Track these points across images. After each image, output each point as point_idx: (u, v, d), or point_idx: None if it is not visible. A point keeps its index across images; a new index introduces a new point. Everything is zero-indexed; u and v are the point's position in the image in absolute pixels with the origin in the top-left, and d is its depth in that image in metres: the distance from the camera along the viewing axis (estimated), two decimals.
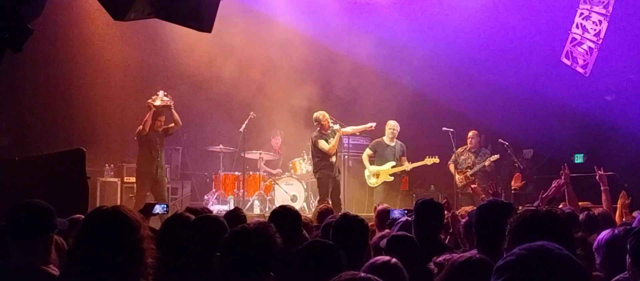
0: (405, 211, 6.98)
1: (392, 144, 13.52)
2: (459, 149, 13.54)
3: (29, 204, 3.86)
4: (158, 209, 6.63)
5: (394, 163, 13.43)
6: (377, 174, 13.47)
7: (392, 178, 13.43)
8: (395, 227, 6.10)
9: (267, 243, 3.21)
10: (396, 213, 7.20)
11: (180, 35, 13.25)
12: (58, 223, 3.88)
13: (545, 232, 2.95)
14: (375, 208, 8.01)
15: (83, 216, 4.45)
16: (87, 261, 2.84)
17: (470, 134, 13.51)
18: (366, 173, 13.64)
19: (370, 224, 6.14)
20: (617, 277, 3.81)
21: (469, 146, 13.49)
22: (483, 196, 10.80)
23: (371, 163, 13.66)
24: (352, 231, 4.68)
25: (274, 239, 3.25)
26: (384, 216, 7.16)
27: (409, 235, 4.94)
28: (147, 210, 6.46)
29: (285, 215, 5.04)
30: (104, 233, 2.88)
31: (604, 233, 4.50)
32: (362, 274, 2.41)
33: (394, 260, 3.64)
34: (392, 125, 13.53)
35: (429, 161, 13.37)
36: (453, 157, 13.50)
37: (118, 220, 2.91)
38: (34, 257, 3.69)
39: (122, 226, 2.89)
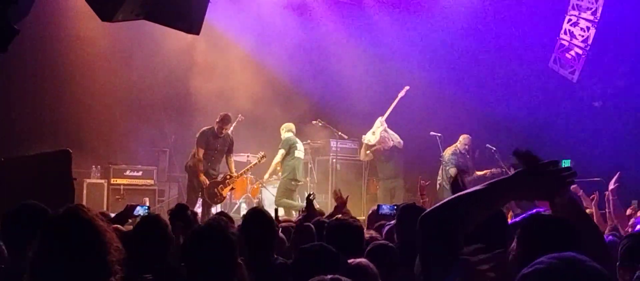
0: (395, 207, 6.95)
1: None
2: (453, 149, 13.46)
3: (24, 207, 3.77)
4: (139, 211, 6.60)
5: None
6: (373, 132, 13.99)
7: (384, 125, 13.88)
8: (383, 229, 6.10)
9: (225, 234, 3.28)
10: (386, 209, 7.23)
11: (169, 37, 13.20)
12: None
13: (563, 240, 2.88)
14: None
15: None
16: (48, 272, 2.74)
17: (465, 138, 13.49)
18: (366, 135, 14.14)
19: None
20: None
21: (461, 149, 13.44)
22: None
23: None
24: (346, 235, 4.69)
25: (229, 228, 3.35)
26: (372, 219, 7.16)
27: (388, 243, 4.92)
28: (129, 212, 6.44)
29: (258, 220, 4.95)
30: (61, 238, 2.77)
31: None
32: (329, 276, 2.43)
33: (364, 260, 3.73)
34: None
35: None
36: (452, 158, 13.36)
37: (73, 223, 2.79)
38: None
39: (78, 229, 2.77)
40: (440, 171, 13.51)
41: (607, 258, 3.00)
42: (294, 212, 12.27)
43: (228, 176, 12.67)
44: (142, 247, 4.12)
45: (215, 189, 12.46)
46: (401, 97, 14.06)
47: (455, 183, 4.03)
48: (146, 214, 6.56)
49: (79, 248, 2.74)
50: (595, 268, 1.67)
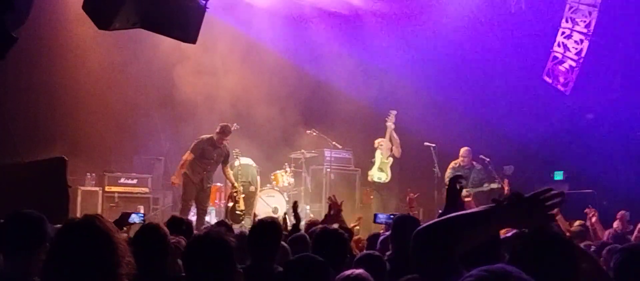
0: (392, 216, 6.97)
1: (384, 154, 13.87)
2: (453, 164, 13.55)
3: (20, 215, 3.78)
4: (135, 218, 6.61)
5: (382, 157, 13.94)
6: (380, 168, 13.81)
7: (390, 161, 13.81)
8: (377, 240, 6.13)
9: (224, 243, 3.34)
10: (382, 218, 7.25)
11: (164, 45, 13.23)
12: (50, 231, 3.81)
13: (550, 256, 2.89)
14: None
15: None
16: (59, 278, 2.77)
17: (462, 151, 13.55)
18: (372, 173, 13.98)
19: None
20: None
21: (461, 162, 13.53)
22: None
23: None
24: (332, 244, 4.71)
25: (228, 238, 3.41)
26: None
27: (375, 253, 4.96)
28: (124, 219, 6.45)
29: (265, 230, 4.98)
30: (76, 246, 2.80)
31: None
32: None
33: (363, 271, 3.76)
34: (376, 144, 13.84)
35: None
36: (449, 172, 13.42)
37: (90, 233, 2.82)
38: (26, 269, 3.57)
39: (94, 240, 2.80)
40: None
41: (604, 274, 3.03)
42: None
43: (234, 192, 12.82)
44: (141, 255, 4.14)
45: (235, 211, 12.76)
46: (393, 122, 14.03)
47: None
48: (141, 222, 6.58)
49: (92, 258, 2.77)
50: (525, 279, 1.70)
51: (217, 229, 3.45)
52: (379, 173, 13.88)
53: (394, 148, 13.84)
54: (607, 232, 8.57)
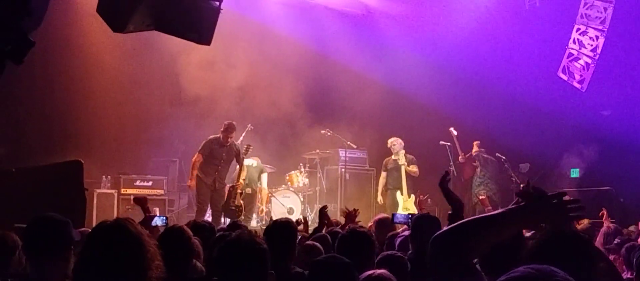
0: (410, 216, 6.93)
1: (397, 158, 13.57)
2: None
3: (46, 218, 3.80)
4: (157, 221, 6.60)
5: (404, 198, 13.48)
6: (406, 207, 13.40)
7: (412, 198, 13.36)
8: (396, 240, 6.11)
9: (258, 246, 3.35)
10: (400, 218, 7.20)
11: (179, 48, 13.24)
12: (74, 235, 3.83)
13: (567, 253, 2.88)
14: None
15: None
16: (91, 279, 2.81)
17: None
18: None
19: None
20: None
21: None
22: (489, 207, 10.94)
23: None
24: (357, 245, 4.71)
25: (258, 240, 3.43)
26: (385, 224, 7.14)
27: (397, 253, 4.94)
28: (147, 223, 6.43)
29: (281, 230, 4.98)
30: (108, 249, 2.83)
31: None
32: None
33: (385, 272, 3.82)
34: (389, 143, 13.68)
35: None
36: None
37: (122, 236, 2.86)
38: (52, 272, 3.60)
39: (126, 243, 2.84)
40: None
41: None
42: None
43: (230, 187, 12.69)
44: (166, 257, 4.15)
45: (230, 207, 12.51)
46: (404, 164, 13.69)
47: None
48: (164, 225, 6.58)
49: (123, 260, 2.80)
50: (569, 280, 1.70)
51: (248, 232, 3.44)
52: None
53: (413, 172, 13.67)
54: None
